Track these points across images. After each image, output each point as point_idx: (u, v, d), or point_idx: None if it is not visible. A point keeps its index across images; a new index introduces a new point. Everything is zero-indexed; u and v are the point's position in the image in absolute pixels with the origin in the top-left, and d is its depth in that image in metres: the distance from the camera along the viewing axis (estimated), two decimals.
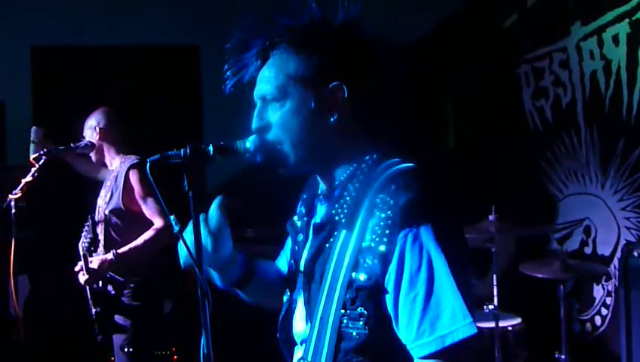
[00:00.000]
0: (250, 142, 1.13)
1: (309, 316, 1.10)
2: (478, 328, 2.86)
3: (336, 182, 1.12)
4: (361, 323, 1.00)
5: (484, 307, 2.72)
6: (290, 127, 1.09)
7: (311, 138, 1.09)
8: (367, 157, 1.09)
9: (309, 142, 1.09)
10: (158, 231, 2.58)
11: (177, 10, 4.17)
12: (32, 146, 2.80)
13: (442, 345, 0.97)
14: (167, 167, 1.11)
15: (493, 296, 2.69)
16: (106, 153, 2.81)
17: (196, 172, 1.08)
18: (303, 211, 1.21)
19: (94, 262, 2.56)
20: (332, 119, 1.08)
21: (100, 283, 2.61)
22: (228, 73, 1.14)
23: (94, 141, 2.78)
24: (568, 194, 3.43)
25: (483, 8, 4.04)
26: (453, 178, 3.78)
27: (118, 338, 2.64)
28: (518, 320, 2.89)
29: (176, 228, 1.09)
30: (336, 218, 1.08)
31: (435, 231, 0.99)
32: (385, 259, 0.99)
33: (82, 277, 2.55)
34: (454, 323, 0.97)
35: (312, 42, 1.07)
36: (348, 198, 1.08)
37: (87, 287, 2.60)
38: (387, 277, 1.00)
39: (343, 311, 1.01)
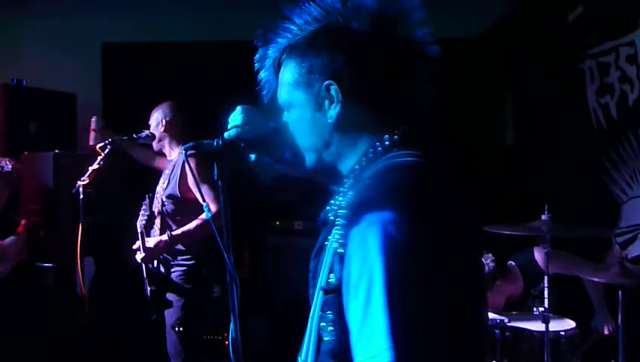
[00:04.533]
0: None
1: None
2: (527, 330, 2.76)
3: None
4: (330, 328, 0.97)
5: (534, 309, 2.65)
6: (299, 133, 1.10)
7: (318, 141, 1.09)
8: (371, 150, 1.05)
9: (318, 145, 1.09)
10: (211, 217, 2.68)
11: (238, 7, 4.29)
12: (92, 134, 2.99)
13: None
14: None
15: (543, 297, 2.61)
16: (167, 144, 2.98)
17: (227, 162, 1.12)
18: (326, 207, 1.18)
19: (150, 241, 2.72)
20: (331, 118, 1.06)
21: (155, 262, 2.77)
22: (260, 84, 1.17)
23: (159, 132, 2.94)
24: (633, 196, 3.26)
25: (546, 0, 3.90)
26: (505, 175, 3.68)
27: (169, 319, 2.79)
28: (572, 325, 2.79)
29: (209, 215, 1.12)
30: (329, 215, 1.06)
31: (384, 236, 0.88)
32: (341, 262, 0.94)
33: (139, 255, 2.71)
34: (380, 345, 0.85)
35: (303, 45, 1.08)
36: (341, 195, 1.05)
37: (143, 266, 2.76)
38: (342, 281, 0.94)
39: (321, 313, 0.99)
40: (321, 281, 1.02)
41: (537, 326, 2.68)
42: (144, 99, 4.17)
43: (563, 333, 2.71)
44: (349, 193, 1.02)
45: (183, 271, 2.81)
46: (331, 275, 0.97)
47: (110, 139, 2.83)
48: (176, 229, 2.78)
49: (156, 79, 4.37)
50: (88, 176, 2.85)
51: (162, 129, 2.95)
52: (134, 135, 2.91)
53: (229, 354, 1.06)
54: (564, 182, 3.64)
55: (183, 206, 2.81)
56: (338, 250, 0.95)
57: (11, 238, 3.33)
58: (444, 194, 1.02)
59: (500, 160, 4.12)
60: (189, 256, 2.83)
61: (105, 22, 4.44)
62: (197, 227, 2.72)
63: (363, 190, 0.97)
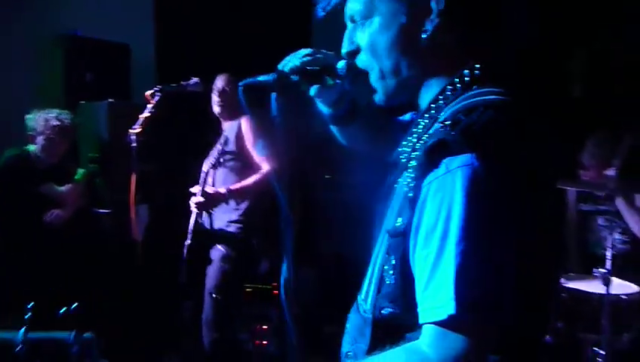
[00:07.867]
0: (338, 68, 1.04)
1: None
2: (585, 291, 2.62)
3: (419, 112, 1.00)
4: (391, 272, 0.91)
5: (594, 270, 2.50)
6: (379, 48, 0.96)
7: (400, 59, 0.96)
8: (450, 86, 0.94)
9: (400, 65, 0.96)
10: (266, 175, 2.79)
11: None
12: None
13: (438, 317, 0.82)
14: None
15: (605, 258, 2.46)
16: (227, 111, 3.01)
17: (285, 97, 1.02)
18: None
19: (209, 189, 2.80)
20: (425, 35, 0.93)
21: (203, 217, 2.84)
22: None
23: (218, 102, 3.00)
24: None
25: None
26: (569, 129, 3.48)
27: (208, 283, 2.85)
28: (636, 289, 2.63)
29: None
30: (400, 157, 0.98)
31: (464, 184, 0.80)
32: (411, 207, 0.87)
33: (194, 199, 2.78)
34: (446, 296, 0.81)
35: None
36: (414, 136, 0.96)
37: (193, 216, 2.82)
38: (412, 227, 0.88)
39: (386, 256, 0.94)
40: (387, 224, 0.97)
41: (596, 287, 2.55)
42: (197, 48, 4.15)
43: (625, 297, 2.56)
44: (424, 135, 0.93)
45: (231, 236, 2.89)
46: (399, 219, 0.91)
47: (159, 87, 2.84)
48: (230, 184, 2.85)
49: (209, 28, 4.31)
50: (140, 125, 2.88)
51: (219, 101, 3.00)
52: (182, 82, 2.90)
53: (280, 295, 1.03)
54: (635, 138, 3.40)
55: (239, 163, 2.90)
56: (409, 194, 0.88)
57: (69, 186, 3.44)
58: (530, 137, 0.91)
59: (563, 112, 3.91)
60: (241, 226, 2.89)
61: None
62: (255, 183, 2.81)
63: (441, 132, 0.87)
